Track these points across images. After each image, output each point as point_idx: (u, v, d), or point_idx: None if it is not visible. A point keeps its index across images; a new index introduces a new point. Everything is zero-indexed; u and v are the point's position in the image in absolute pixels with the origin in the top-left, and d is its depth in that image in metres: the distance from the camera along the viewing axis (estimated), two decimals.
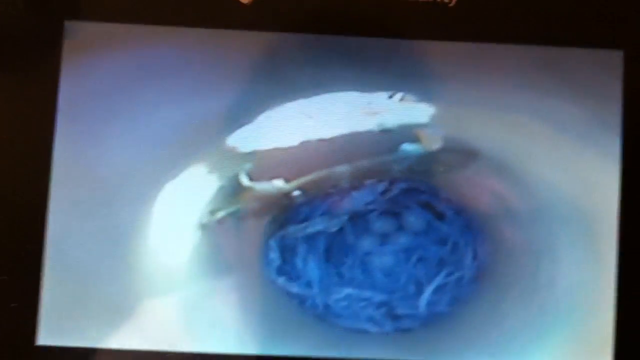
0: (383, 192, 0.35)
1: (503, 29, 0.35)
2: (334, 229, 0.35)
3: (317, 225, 0.35)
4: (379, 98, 0.34)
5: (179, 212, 0.34)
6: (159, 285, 0.34)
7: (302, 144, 0.34)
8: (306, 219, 0.35)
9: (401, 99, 0.34)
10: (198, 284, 0.34)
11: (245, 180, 0.34)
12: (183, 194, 0.34)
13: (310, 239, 0.35)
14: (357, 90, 0.34)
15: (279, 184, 0.34)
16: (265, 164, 0.34)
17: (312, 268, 0.35)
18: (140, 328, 0.34)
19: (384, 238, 0.35)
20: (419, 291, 0.35)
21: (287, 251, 0.35)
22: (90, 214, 0.34)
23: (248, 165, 0.34)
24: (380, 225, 0.35)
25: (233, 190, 0.34)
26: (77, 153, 0.34)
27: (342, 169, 0.34)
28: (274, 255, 0.35)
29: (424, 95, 0.34)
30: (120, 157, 0.34)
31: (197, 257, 0.34)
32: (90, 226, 0.34)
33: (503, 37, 0.34)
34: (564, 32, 0.35)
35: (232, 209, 0.34)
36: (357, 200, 0.35)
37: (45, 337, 0.33)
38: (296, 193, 0.35)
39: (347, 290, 0.35)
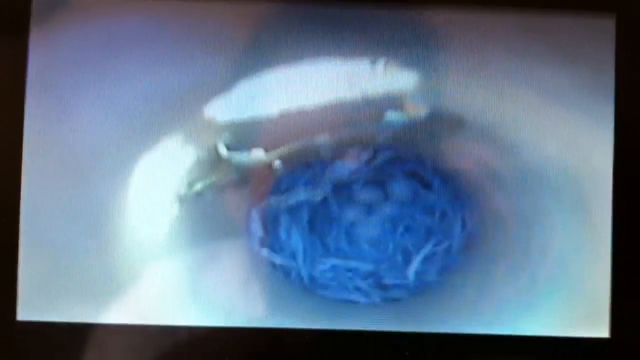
0: (367, 161, 0.34)
1: None
2: (317, 199, 0.34)
3: (300, 195, 0.34)
4: (361, 66, 0.33)
5: (156, 185, 0.34)
6: (138, 259, 0.33)
7: (282, 113, 0.33)
8: (288, 189, 0.34)
9: (384, 67, 0.33)
10: (179, 258, 0.34)
11: (223, 151, 0.34)
12: (160, 166, 0.33)
13: (293, 209, 0.34)
14: (339, 58, 0.33)
15: (258, 154, 0.34)
16: (244, 133, 0.34)
17: (295, 239, 0.34)
18: (121, 302, 0.33)
19: (369, 208, 0.35)
20: (407, 261, 0.34)
21: (269, 222, 0.34)
22: (65, 187, 0.33)
23: (226, 136, 0.34)
24: (365, 194, 0.35)
25: (211, 162, 0.34)
26: (48, 127, 0.33)
27: (324, 138, 0.34)
28: (256, 226, 0.34)
29: (408, 62, 0.33)
30: (94, 129, 0.33)
31: (177, 230, 0.34)
32: (65, 200, 0.33)
33: (491, 3, 0.33)
34: None
35: (210, 180, 0.34)
36: (340, 169, 0.34)
37: (26, 312, 0.33)
38: (277, 163, 0.34)
39: (333, 261, 0.34)
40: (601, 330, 0.33)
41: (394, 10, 0.33)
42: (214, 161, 0.34)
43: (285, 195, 0.34)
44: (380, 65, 0.33)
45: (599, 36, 0.33)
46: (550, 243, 0.34)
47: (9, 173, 0.33)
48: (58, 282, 0.33)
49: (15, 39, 0.33)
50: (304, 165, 0.34)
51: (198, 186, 0.34)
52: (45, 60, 0.33)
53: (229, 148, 0.34)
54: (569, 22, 0.33)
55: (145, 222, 0.34)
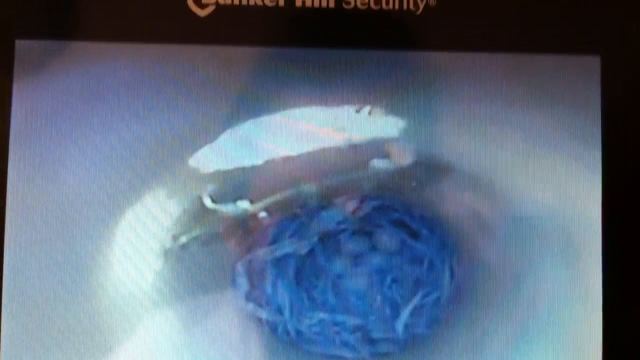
0: (353, 211, 0.34)
1: (474, 37, 0.33)
2: (304, 251, 0.34)
3: (286, 247, 0.33)
4: (346, 112, 0.33)
5: (140, 238, 0.33)
6: (122, 316, 0.32)
7: (267, 162, 0.33)
8: (274, 241, 0.34)
9: (369, 113, 0.33)
10: (163, 313, 0.33)
11: (208, 203, 0.33)
12: (144, 218, 0.33)
13: (279, 262, 0.33)
14: (323, 105, 0.33)
15: (244, 205, 0.33)
16: (229, 184, 0.33)
17: (281, 293, 0.33)
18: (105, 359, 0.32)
19: (356, 259, 0.34)
20: (396, 313, 0.34)
21: (255, 275, 0.33)
22: (48, 241, 0.32)
23: (211, 187, 0.33)
24: (352, 245, 0.34)
25: (196, 214, 0.33)
26: (32, 178, 0.32)
27: (310, 187, 0.33)
28: (242, 280, 0.33)
29: (394, 108, 0.33)
30: (77, 180, 0.32)
31: (161, 284, 0.33)
32: (48, 256, 0.32)
33: (474, 45, 0.33)
34: (538, 39, 0.33)
35: (196, 233, 0.33)
36: (326, 220, 0.34)
37: None
38: (262, 214, 0.33)
39: (320, 315, 0.33)
40: None
41: (379, 55, 0.33)
42: (199, 213, 0.33)
43: (272, 247, 0.33)
44: (366, 112, 0.33)
45: (585, 78, 0.33)
46: (540, 292, 0.33)
47: None
48: (39, 341, 0.32)
49: None
50: (290, 216, 0.33)
51: (183, 239, 0.33)
52: (28, 109, 0.32)
53: (214, 200, 0.33)
54: (555, 64, 0.33)
55: (129, 277, 0.33)
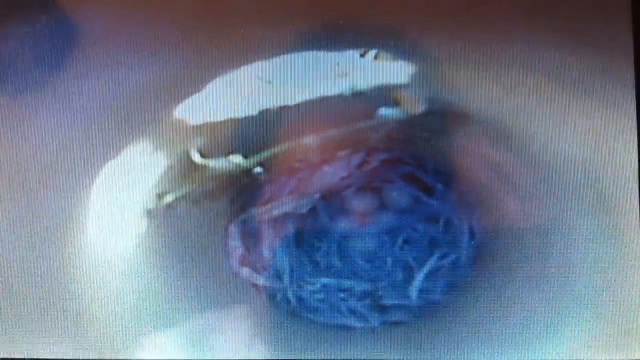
0: (359, 165, 0.32)
1: None
2: (305, 210, 0.32)
3: (285, 206, 0.32)
4: (350, 57, 0.32)
5: (121, 197, 0.31)
6: (100, 285, 0.31)
7: (262, 112, 0.31)
8: (271, 199, 0.32)
9: (375, 57, 0.32)
10: (146, 281, 0.31)
11: (197, 157, 0.31)
12: (125, 176, 0.31)
13: (277, 222, 0.32)
14: (324, 48, 0.31)
15: (236, 159, 0.32)
16: (219, 137, 0.32)
17: (280, 256, 0.32)
18: (79, 334, 0.31)
19: (363, 218, 0.32)
20: (409, 278, 0.32)
21: (250, 238, 0.32)
22: (17, 202, 0.31)
23: (200, 140, 0.31)
24: (359, 203, 0.32)
25: (183, 170, 0.32)
26: (1, 132, 0.31)
27: (310, 139, 0.32)
28: (235, 242, 0.32)
29: (402, 51, 0.32)
30: (51, 134, 0.31)
31: (145, 248, 0.31)
32: (17, 217, 0.31)
33: None
34: None
35: (183, 191, 0.32)
36: (329, 175, 0.32)
37: None
38: (257, 170, 0.32)
39: (324, 280, 0.32)
40: (635, 351, 0.31)
41: None
42: (187, 169, 0.32)
43: (268, 206, 0.32)
44: (371, 55, 0.32)
45: (615, 16, 0.32)
46: (572, 254, 0.32)
47: None
48: (8, 314, 0.31)
49: None
50: (289, 172, 0.32)
51: (169, 198, 0.32)
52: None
53: (203, 154, 0.32)
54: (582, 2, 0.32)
55: (109, 240, 0.31)
